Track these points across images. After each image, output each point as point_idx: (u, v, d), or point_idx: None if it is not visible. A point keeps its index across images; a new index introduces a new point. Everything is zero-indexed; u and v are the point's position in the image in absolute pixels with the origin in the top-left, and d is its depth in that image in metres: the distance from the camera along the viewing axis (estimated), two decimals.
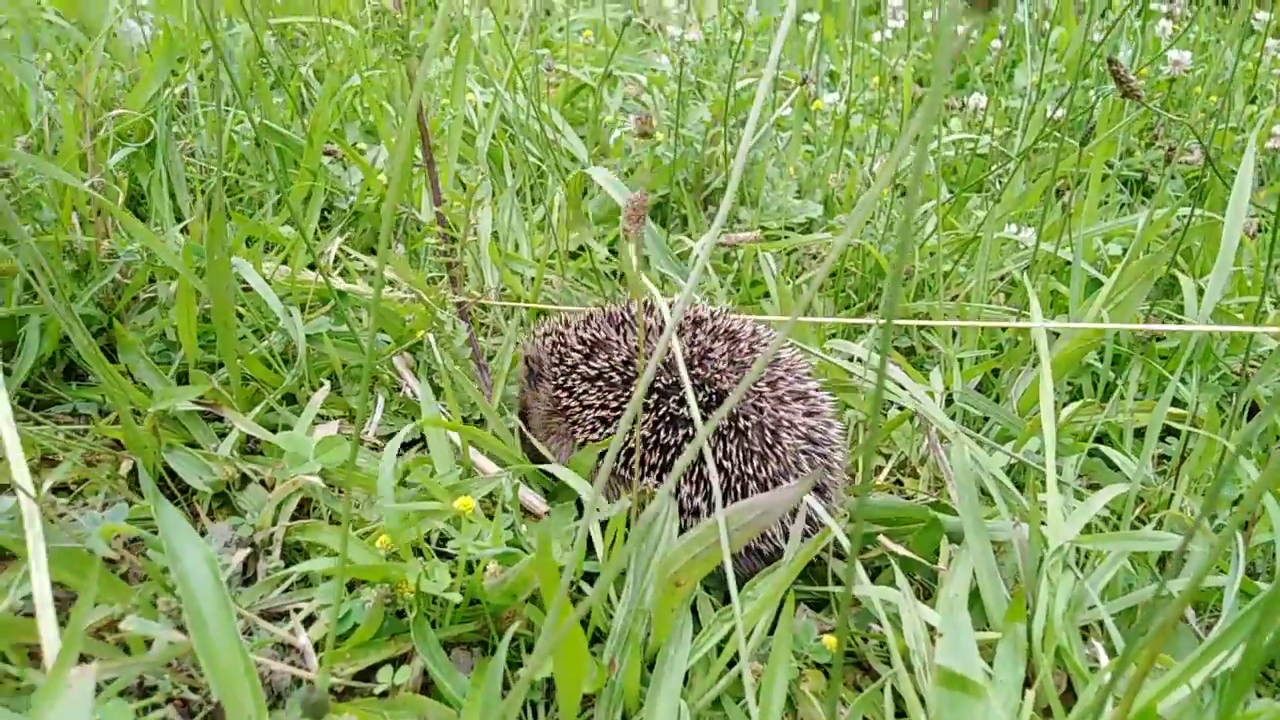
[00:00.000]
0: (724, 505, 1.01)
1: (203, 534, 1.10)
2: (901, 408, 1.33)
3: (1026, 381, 1.53)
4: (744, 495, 1.05)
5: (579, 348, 1.18)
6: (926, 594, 1.20)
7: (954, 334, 1.63)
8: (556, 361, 1.21)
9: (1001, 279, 1.81)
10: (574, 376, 1.17)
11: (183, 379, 1.29)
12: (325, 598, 1.00)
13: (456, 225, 1.26)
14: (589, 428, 1.14)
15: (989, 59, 3.37)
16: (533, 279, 1.71)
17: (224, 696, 0.80)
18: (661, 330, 1.13)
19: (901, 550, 1.13)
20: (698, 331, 1.16)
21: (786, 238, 1.99)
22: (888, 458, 1.45)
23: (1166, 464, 1.47)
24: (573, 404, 1.16)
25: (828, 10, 3.24)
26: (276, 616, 1.02)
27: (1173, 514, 1.22)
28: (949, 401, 1.48)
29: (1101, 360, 1.60)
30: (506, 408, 1.37)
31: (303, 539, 1.10)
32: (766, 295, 1.81)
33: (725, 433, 1.07)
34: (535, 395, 1.25)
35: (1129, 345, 1.63)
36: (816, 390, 1.16)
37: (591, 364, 1.15)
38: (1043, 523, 1.10)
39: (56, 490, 1.11)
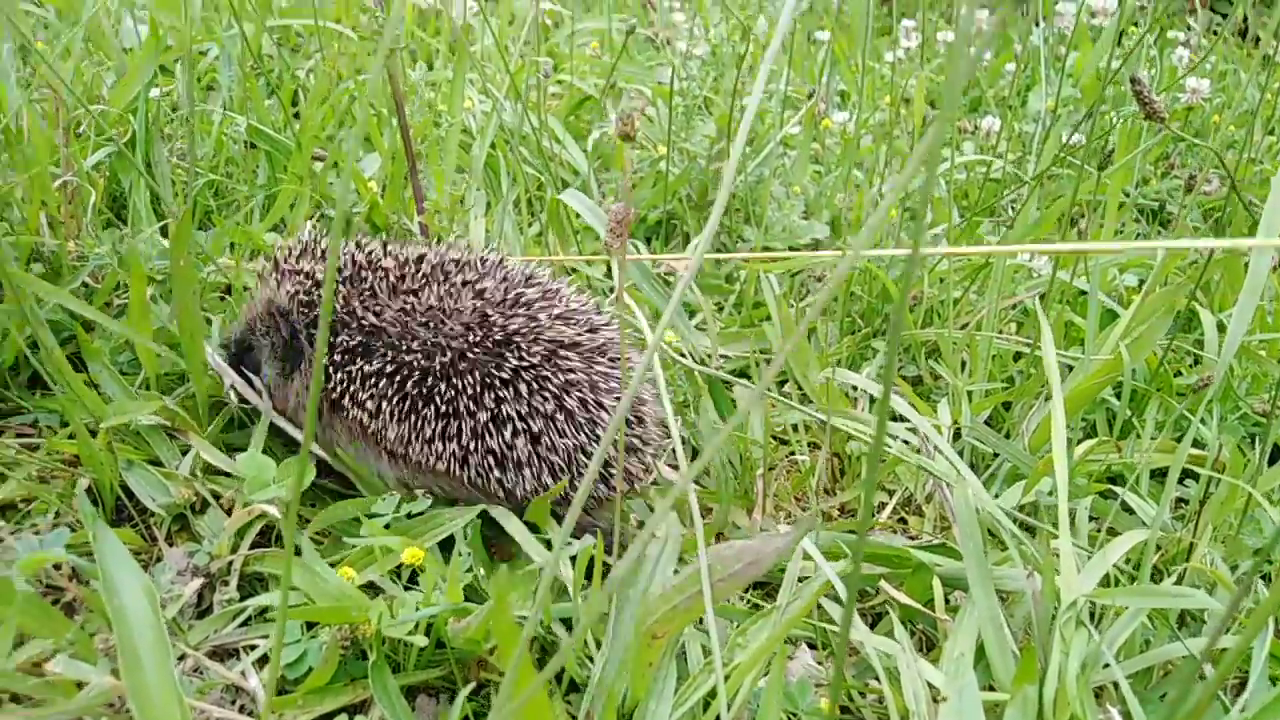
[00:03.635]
0: (573, 481, 1.04)
1: (157, 560, 1.03)
2: (906, 442, 1.26)
3: (1039, 417, 1.45)
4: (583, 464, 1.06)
5: (355, 327, 1.08)
6: (928, 643, 1.13)
7: (963, 364, 1.56)
8: (314, 325, 1.10)
9: (1013, 308, 1.74)
10: (355, 374, 1.07)
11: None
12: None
13: (440, 235, 1.19)
14: (393, 443, 1.07)
15: (1003, 82, 3.32)
16: None
17: None
18: (481, 296, 1.08)
19: (903, 598, 1.06)
20: (485, 307, 1.09)
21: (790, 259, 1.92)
22: (891, 494, 1.38)
23: (1185, 508, 1.40)
24: (361, 414, 1.07)
25: (840, 29, 3.19)
26: (229, 654, 0.95)
27: (1194, 565, 1.15)
28: (957, 436, 1.41)
29: (1118, 396, 1.53)
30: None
31: (263, 569, 1.03)
32: (769, 318, 1.74)
33: (555, 415, 1.06)
34: (288, 375, 1.15)
35: (1147, 381, 1.55)
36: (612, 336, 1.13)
37: (369, 364, 1.06)
38: (1056, 571, 1.03)
39: (3, 509, 1.05)
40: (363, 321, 1.07)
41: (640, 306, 1.33)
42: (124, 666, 0.75)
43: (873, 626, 1.10)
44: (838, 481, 1.43)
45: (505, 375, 1.05)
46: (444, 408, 1.05)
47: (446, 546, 1.04)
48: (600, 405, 1.08)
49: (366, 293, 1.09)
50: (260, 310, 1.15)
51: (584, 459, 1.07)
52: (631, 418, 1.13)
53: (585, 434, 1.07)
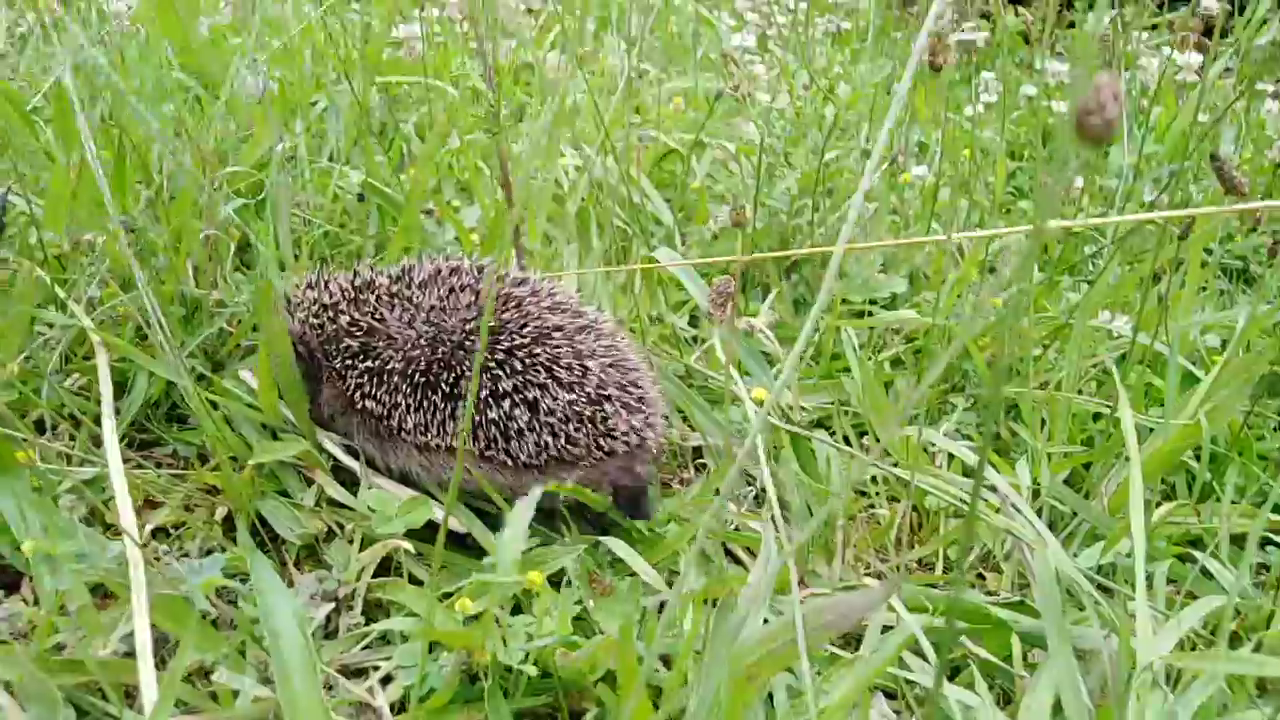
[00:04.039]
0: (570, 437, 1.19)
1: (289, 585, 1.13)
2: (985, 500, 1.30)
3: (1118, 478, 1.48)
4: (581, 420, 1.19)
5: (356, 335, 1.24)
6: (1005, 698, 1.16)
7: (1042, 423, 1.59)
8: (335, 352, 1.26)
9: (1093, 367, 1.77)
10: (362, 372, 1.23)
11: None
12: (403, 658, 1.02)
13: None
14: (414, 433, 1.21)
15: None
16: None
17: None
18: (476, 297, 1.25)
19: (983, 653, 1.10)
20: (480, 304, 1.24)
21: (871, 313, 1.98)
22: (969, 550, 1.42)
23: (1266, 575, 1.40)
24: (372, 405, 1.22)
25: (920, 80, 3.24)
26: (356, 673, 1.04)
27: (1273, 634, 1.17)
28: (1036, 494, 1.44)
29: (1198, 459, 1.54)
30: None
31: (383, 596, 1.12)
32: (847, 370, 1.79)
33: (545, 382, 1.19)
34: (316, 390, 1.30)
35: (1228, 445, 1.57)
36: (596, 317, 1.30)
37: (378, 360, 1.22)
38: (1133, 633, 1.06)
39: (156, 532, 1.16)
40: (371, 327, 1.24)
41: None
42: (278, 681, 0.84)
43: (951, 678, 1.14)
44: (916, 534, 1.47)
45: (500, 356, 1.19)
46: (449, 390, 1.19)
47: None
48: (585, 368, 1.21)
49: (370, 305, 1.26)
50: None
51: (575, 413, 1.20)
52: (626, 383, 1.25)
53: (575, 393, 1.20)
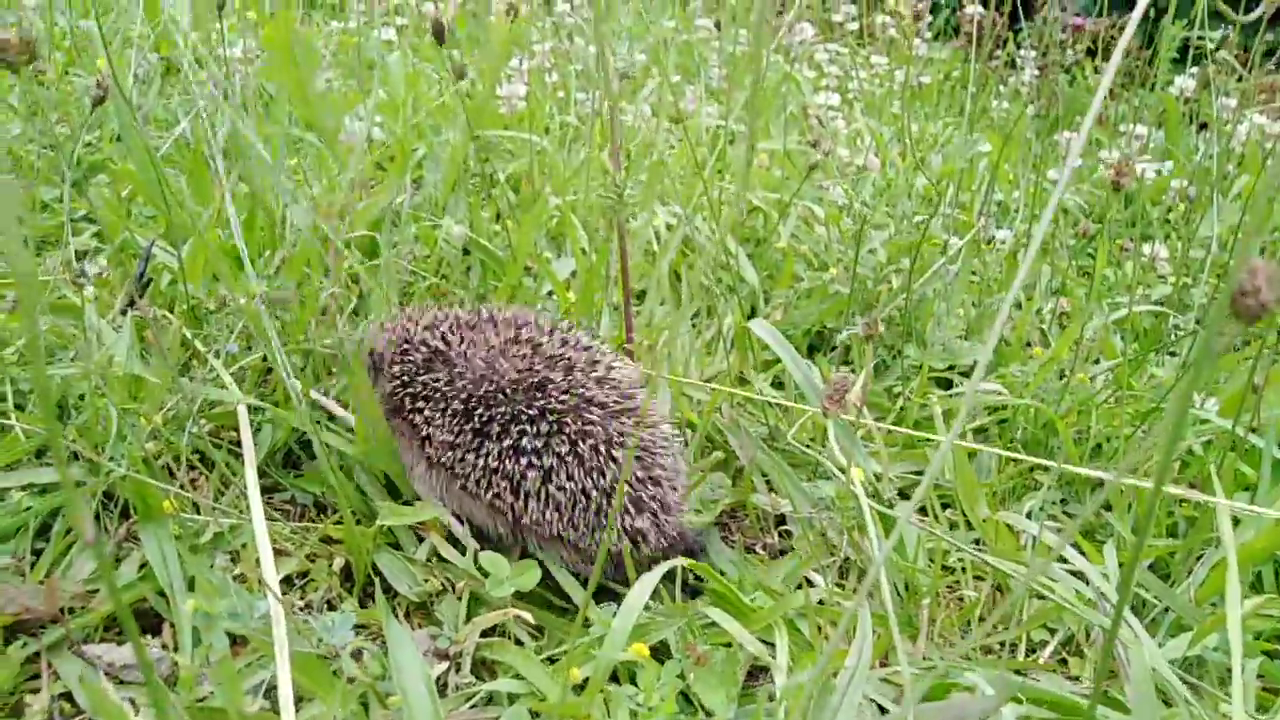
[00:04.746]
0: (573, 519, 1.23)
1: None
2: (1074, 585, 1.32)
3: (1205, 567, 1.48)
4: (585, 503, 1.23)
5: (421, 350, 1.32)
6: None
7: (1129, 507, 1.60)
8: (398, 359, 1.34)
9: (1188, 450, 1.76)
10: (418, 384, 1.30)
11: (390, 484, 1.42)
12: (510, 719, 1.08)
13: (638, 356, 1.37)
14: (437, 448, 1.27)
15: (1168, 195, 3.26)
16: (699, 402, 1.78)
17: None
18: (536, 349, 1.31)
19: None
20: (536, 358, 1.30)
21: (953, 382, 2.00)
22: (1053, 633, 1.43)
23: None
24: (419, 420, 1.29)
25: (999, 136, 3.25)
26: None
27: None
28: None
29: None
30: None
31: (489, 655, 1.18)
32: (931, 440, 1.81)
33: (566, 457, 1.22)
34: (378, 386, 1.38)
35: None
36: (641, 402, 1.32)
37: (432, 376, 1.29)
38: None
39: (282, 582, 1.24)
40: (434, 348, 1.32)
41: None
42: None
43: None
44: (997, 606, 1.49)
45: (532, 413, 1.24)
46: (480, 427, 1.25)
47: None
48: (611, 457, 1.24)
49: (443, 330, 1.34)
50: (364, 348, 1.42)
51: (584, 502, 1.23)
52: (645, 476, 1.28)
53: (591, 480, 1.23)
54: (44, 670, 1.02)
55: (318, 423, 1.37)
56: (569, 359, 1.31)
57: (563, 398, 1.25)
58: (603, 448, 1.24)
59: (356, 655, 1.05)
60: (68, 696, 1.02)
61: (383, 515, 1.23)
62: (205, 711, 0.98)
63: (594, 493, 1.23)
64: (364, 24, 3.65)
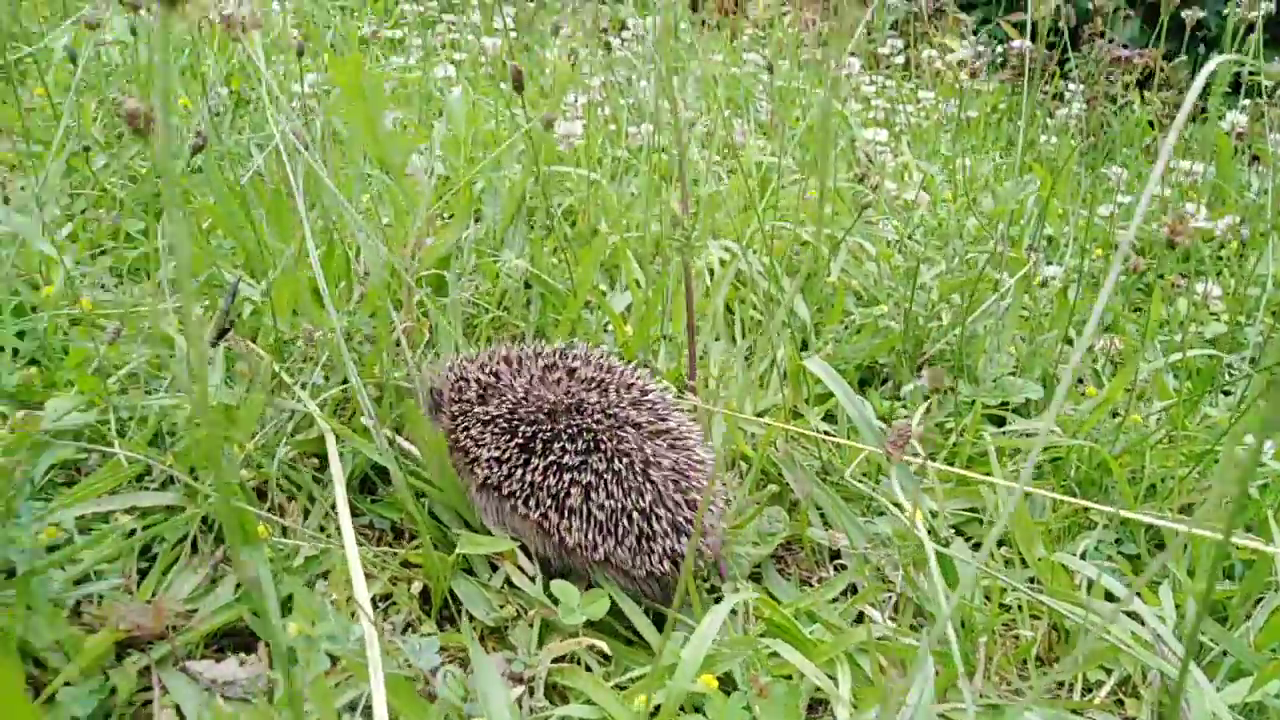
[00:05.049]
0: (610, 538, 1.28)
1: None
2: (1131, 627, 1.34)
3: (1265, 611, 1.49)
4: (628, 525, 1.29)
5: (474, 385, 1.40)
6: None
7: (1185, 548, 1.61)
8: (455, 398, 1.41)
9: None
10: (471, 416, 1.38)
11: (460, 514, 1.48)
12: None
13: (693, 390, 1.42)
14: (485, 466, 1.34)
15: (1219, 231, 3.26)
16: (754, 435, 1.82)
17: None
18: (573, 374, 1.41)
19: None
20: (572, 381, 1.38)
21: (1005, 419, 2.02)
22: (1109, 673, 1.45)
23: None
24: (469, 444, 1.36)
25: (1047, 169, 3.27)
26: None
27: None
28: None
29: None
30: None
31: (560, 680, 1.23)
32: (984, 474, 1.84)
33: (604, 475, 1.29)
34: (437, 422, 1.45)
35: None
36: (680, 424, 1.39)
37: (483, 409, 1.36)
38: None
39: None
40: (486, 383, 1.41)
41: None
42: None
43: None
44: (1053, 650, 1.51)
45: (571, 432, 1.31)
46: (524, 443, 1.32)
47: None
48: (647, 476, 1.30)
49: (491, 369, 1.43)
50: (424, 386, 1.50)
51: (625, 523, 1.29)
52: (683, 499, 1.33)
53: (631, 500, 1.29)
54: (155, 684, 1.09)
55: (396, 457, 1.44)
56: (603, 380, 1.39)
57: (598, 418, 1.33)
58: (639, 467, 1.31)
59: (436, 674, 1.10)
60: (176, 708, 1.08)
61: (461, 544, 1.29)
62: None
63: (635, 514, 1.29)
64: (422, 59, 3.78)
